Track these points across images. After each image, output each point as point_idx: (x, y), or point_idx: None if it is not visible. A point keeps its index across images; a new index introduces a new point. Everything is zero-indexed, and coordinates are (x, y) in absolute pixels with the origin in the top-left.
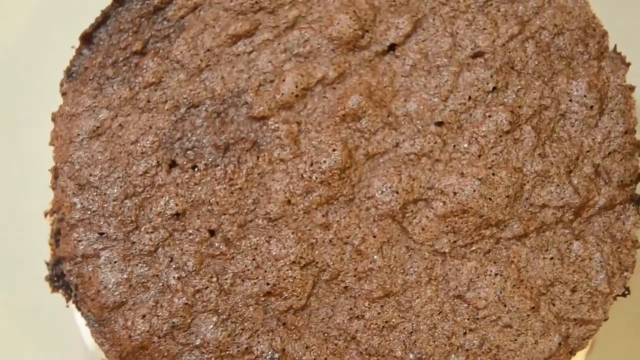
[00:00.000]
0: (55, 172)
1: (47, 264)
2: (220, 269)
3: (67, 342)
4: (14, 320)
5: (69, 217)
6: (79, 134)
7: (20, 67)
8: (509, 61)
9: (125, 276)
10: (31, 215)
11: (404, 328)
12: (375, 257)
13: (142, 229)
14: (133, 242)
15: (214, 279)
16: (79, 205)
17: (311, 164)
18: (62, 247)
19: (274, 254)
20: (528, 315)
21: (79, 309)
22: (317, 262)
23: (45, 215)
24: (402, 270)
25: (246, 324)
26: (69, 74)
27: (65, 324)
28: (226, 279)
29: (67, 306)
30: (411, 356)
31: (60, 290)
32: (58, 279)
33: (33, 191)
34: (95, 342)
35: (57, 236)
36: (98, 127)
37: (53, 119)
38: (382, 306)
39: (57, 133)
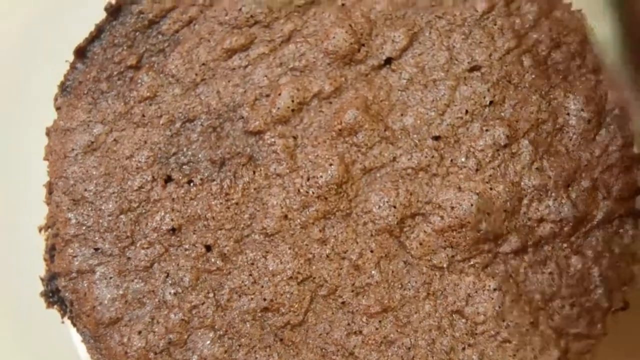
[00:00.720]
0: (50, 187)
1: (42, 279)
2: (217, 284)
3: (63, 358)
4: (9, 337)
5: (64, 233)
6: (73, 149)
7: (14, 82)
8: (506, 75)
9: (120, 292)
10: (25, 230)
11: (402, 343)
12: (372, 272)
13: (138, 245)
14: (129, 258)
15: (211, 295)
16: (73, 221)
17: (308, 179)
18: (57, 262)
19: (270, 269)
20: (527, 330)
21: (74, 325)
22: (314, 278)
23: (40, 230)
24: (400, 285)
25: (243, 339)
26: (63, 88)
27: (61, 341)
28: (223, 295)
29: (63, 322)
30: None
31: (56, 306)
32: (53, 295)
33: (27, 206)
34: (91, 358)
35: (51, 251)
36: (93, 142)
37: (47, 134)
38: (380, 321)
39: (52, 148)
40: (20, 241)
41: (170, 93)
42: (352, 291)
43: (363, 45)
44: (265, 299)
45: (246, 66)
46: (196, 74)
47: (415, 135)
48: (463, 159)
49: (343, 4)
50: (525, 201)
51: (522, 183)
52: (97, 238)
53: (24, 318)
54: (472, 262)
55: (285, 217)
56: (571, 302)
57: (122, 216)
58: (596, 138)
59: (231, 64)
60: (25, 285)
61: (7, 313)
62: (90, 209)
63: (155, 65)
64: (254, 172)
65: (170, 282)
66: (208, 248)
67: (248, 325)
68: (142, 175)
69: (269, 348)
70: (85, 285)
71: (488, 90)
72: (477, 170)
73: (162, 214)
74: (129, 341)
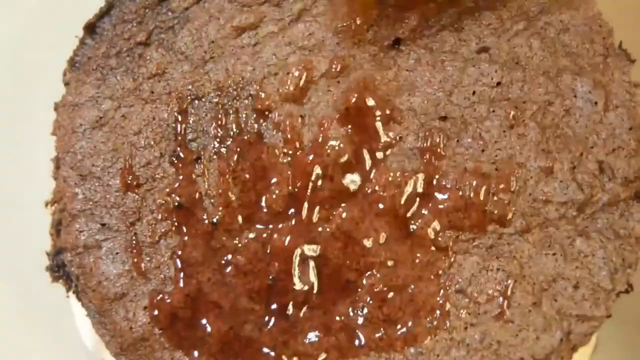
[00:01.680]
0: (57, 162)
1: (48, 254)
2: (223, 261)
3: (66, 341)
4: (12, 318)
5: (71, 208)
6: (81, 124)
7: (23, 57)
8: (514, 57)
9: (126, 267)
10: (32, 205)
11: (405, 322)
12: (377, 251)
13: (144, 221)
14: (135, 234)
15: (216, 271)
16: (80, 196)
17: (314, 157)
18: (64, 237)
19: (276, 248)
20: (530, 311)
21: (79, 299)
22: (319, 256)
23: (46, 205)
24: (404, 265)
25: (248, 316)
26: (73, 63)
27: (64, 324)
28: (228, 271)
29: (67, 296)
30: (412, 350)
31: (61, 281)
32: (58, 269)
33: (34, 181)
34: (96, 333)
35: (58, 226)
36: (101, 118)
37: (56, 109)
38: (383, 300)
39: (60, 123)
40: (26, 216)
41: (179, 70)
42: (357, 270)
43: (372, 25)
44: (270, 277)
45: (255, 44)
46: (205, 52)
47: (422, 116)
48: (469, 140)
49: None
50: (530, 183)
51: (528, 164)
52: (104, 213)
53: (28, 299)
54: (476, 243)
55: (291, 195)
56: (575, 284)
57: (129, 192)
58: (603, 120)
59: (240, 42)
60: (31, 259)
61: (11, 294)
62: (97, 184)
63: (165, 42)
64: (261, 150)
65: (176, 258)
66: (214, 225)
67: (253, 303)
68: (150, 151)
69: (274, 325)
70: (92, 260)
71: (496, 71)
72: (483, 151)
73: (169, 190)
74: (134, 316)
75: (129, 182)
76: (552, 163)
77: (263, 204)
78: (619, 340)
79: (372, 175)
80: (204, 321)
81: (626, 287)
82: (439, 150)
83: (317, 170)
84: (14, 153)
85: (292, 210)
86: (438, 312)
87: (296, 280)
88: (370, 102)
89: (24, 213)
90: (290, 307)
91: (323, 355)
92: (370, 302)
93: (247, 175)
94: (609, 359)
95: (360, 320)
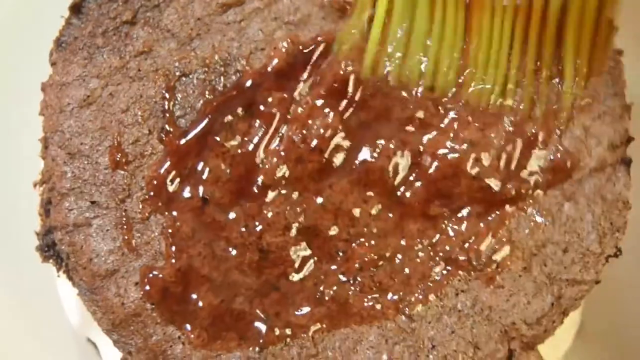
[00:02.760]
0: (46, 142)
1: (37, 234)
2: (213, 235)
3: (51, 320)
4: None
5: (60, 186)
6: (69, 103)
7: (9, 38)
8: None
9: (117, 244)
10: (20, 186)
11: (396, 291)
12: (367, 221)
13: (134, 197)
14: (125, 210)
15: (207, 246)
16: (69, 174)
17: (303, 131)
18: (53, 216)
19: (266, 220)
20: (520, 276)
21: (70, 278)
22: (309, 228)
23: (35, 185)
24: (394, 234)
25: (239, 289)
26: (59, 43)
27: (49, 304)
28: (219, 245)
29: (58, 276)
30: (403, 318)
31: (51, 260)
32: (48, 249)
33: (22, 162)
34: (87, 310)
35: (47, 206)
36: (88, 96)
37: (43, 89)
38: (374, 269)
39: (47, 103)
40: (14, 197)
41: (166, 47)
42: (347, 240)
43: None
44: (261, 250)
45: (241, 21)
46: (191, 29)
47: (409, 86)
48: (458, 108)
49: None
50: (519, 149)
51: (516, 131)
52: (93, 191)
53: (12, 278)
54: (466, 211)
55: (281, 168)
56: (564, 248)
57: (118, 169)
58: (587, 86)
59: (226, 19)
60: (20, 240)
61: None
62: (86, 162)
63: (151, 20)
64: (250, 126)
65: (166, 233)
66: (204, 200)
67: (244, 276)
68: (138, 128)
69: (265, 297)
70: (82, 238)
71: None
72: (471, 118)
73: (158, 167)
74: (125, 292)
75: (118, 159)
76: (539, 129)
77: (252, 177)
78: (604, 321)
79: (360, 147)
80: (195, 295)
81: (615, 251)
82: (426, 119)
83: (306, 142)
84: (2, 134)
85: (282, 182)
86: (429, 279)
87: (287, 252)
88: (358, 72)
89: (11, 195)
90: (281, 278)
91: (315, 326)
92: (361, 271)
93: (237, 151)
94: (594, 338)
95: (352, 290)
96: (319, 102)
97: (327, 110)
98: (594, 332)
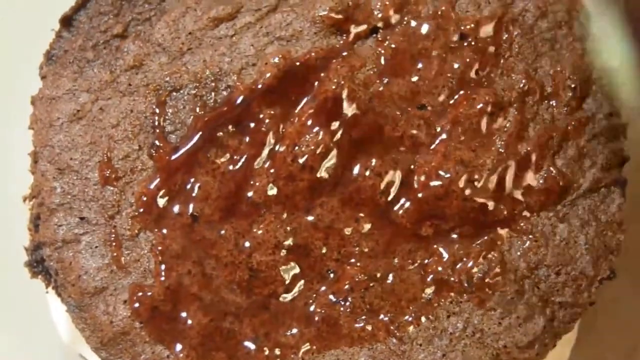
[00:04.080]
0: (35, 156)
1: (26, 249)
2: (203, 253)
3: (41, 335)
4: None
5: (49, 202)
6: (59, 118)
7: None
8: (493, 44)
9: (106, 261)
10: (9, 200)
11: (387, 312)
12: (358, 241)
13: (124, 214)
14: (114, 227)
15: (197, 264)
16: (59, 190)
17: (294, 149)
18: (42, 232)
19: (256, 239)
20: (512, 299)
21: (59, 294)
22: (300, 247)
23: (24, 200)
24: (385, 255)
25: (229, 308)
26: (49, 57)
27: (40, 318)
28: (209, 264)
29: (47, 292)
30: (394, 340)
31: (40, 276)
32: (37, 265)
33: (12, 176)
34: (76, 327)
35: (36, 221)
36: (78, 111)
37: (32, 103)
38: (365, 290)
39: (37, 117)
40: (3, 212)
41: (157, 62)
42: (338, 260)
43: (351, 14)
44: (251, 269)
45: (232, 35)
46: (182, 43)
47: (401, 104)
48: (449, 128)
49: None
50: (511, 169)
51: (509, 152)
52: (82, 207)
53: (5, 289)
54: (457, 231)
55: (272, 187)
56: (557, 271)
57: (107, 185)
58: (583, 106)
59: (217, 33)
60: (5, 257)
61: None
62: (75, 177)
63: (142, 34)
64: (240, 142)
65: (155, 251)
66: (194, 217)
67: (234, 295)
68: (128, 144)
69: (255, 317)
70: (71, 254)
71: (475, 58)
72: (463, 138)
73: (148, 183)
74: (114, 310)
75: (108, 175)
76: (533, 150)
77: (242, 195)
78: (601, 332)
79: (351, 165)
80: (184, 314)
81: (609, 274)
82: (418, 138)
83: (297, 160)
84: None
85: (272, 201)
86: (420, 301)
87: (277, 271)
88: (349, 91)
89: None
90: (271, 298)
91: (305, 347)
92: (352, 292)
93: (227, 167)
94: (591, 351)
95: (342, 311)
96: (310, 120)
97: (317, 128)
98: (590, 348)
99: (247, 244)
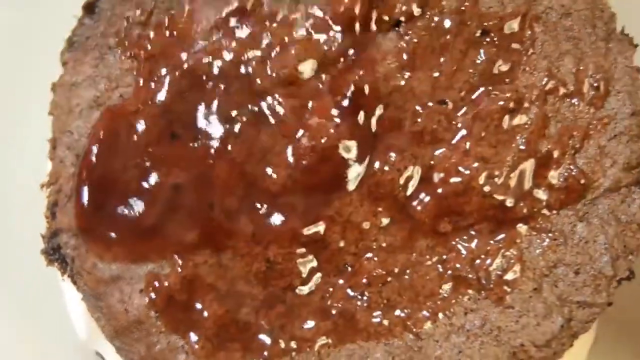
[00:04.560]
0: (54, 143)
1: (43, 236)
2: (220, 243)
3: (57, 334)
4: (2, 307)
5: (68, 189)
6: (78, 104)
7: (20, 37)
8: (516, 41)
9: None
10: (26, 188)
11: (404, 307)
12: (376, 236)
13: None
14: None
15: (214, 254)
16: None
17: (313, 140)
18: (59, 218)
19: (273, 229)
20: (530, 297)
21: (74, 282)
22: (317, 240)
23: (42, 187)
24: (403, 250)
25: (245, 300)
26: (71, 43)
27: (57, 315)
28: (225, 254)
29: (63, 279)
30: (411, 336)
31: (56, 264)
32: (54, 252)
33: (30, 163)
34: (91, 316)
35: (53, 208)
36: (98, 97)
37: (53, 89)
38: (382, 285)
39: (57, 103)
40: (20, 199)
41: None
42: (355, 254)
43: (373, 8)
44: (268, 260)
45: (254, 25)
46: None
47: (422, 99)
48: (470, 124)
49: None
50: (531, 167)
51: (529, 149)
52: None
53: (19, 289)
54: (476, 228)
55: (289, 177)
56: (576, 270)
57: (126, 172)
58: (605, 105)
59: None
60: (25, 243)
61: (7, 271)
62: None
63: (164, 22)
64: (259, 131)
65: (173, 240)
66: (211, 206)
67: (250, 286)
68: (148, 131)
69: (271, 309)
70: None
71: (497, 55)
72: (483, 135)
73: (166, 169)
74: (129, 299)
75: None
76: (554, 148)
77: (261, 185)
78: (619, 334)
79: (370, 159)
80: (200, 304)
81: (628, 274)
82: (438, 133)
83: (316, 152)
84: (11, 133)
85: (290, 192)
86: (437, 297)
87: (293, 264)
88: (370, 83)
89: (17, 196)
90: (287, 290)
91: (321, 340)
92: (369, 286)
93: (245, 157)
94: (608, 353)
95: (359, 305)
96: (331, 112)
97: (338, 120)
98: (608, 347)
99: (263, 235)
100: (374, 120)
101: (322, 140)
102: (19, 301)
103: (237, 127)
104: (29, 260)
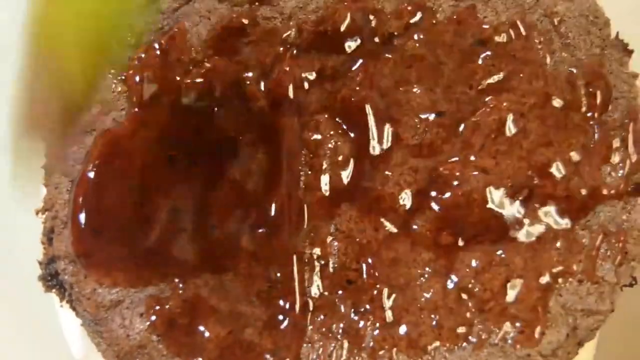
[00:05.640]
0: (48, 169)
1: (40, 263)
2: (220, 264)
3: (53, 351)
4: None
5: (63, 215)
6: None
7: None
8: (512, 50)
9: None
10: (21, 213)
11: (409, 321)
12: (378, 250)
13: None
14: None
15: (214, 275)
16: None
17: (312, 157)
18: (56, 245)
19: (275, 248)
20: (535, 307)
21: (73, 308)
22: (319, 257)
23: (37, 213)
24: (406, 264)
25: (248, 320)
26: None
27: (52, 336)
28: (226, 275)
29: (62, 306)
30: (416, 349)
31: (54, 290)
32: (52, 278)
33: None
34: (91, 342)
35: (50, 234)
36: (92, 122)
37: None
38: (385, 300)
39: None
40: (16, 225)
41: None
42: (357, 270)
43: (369, 21)
44: (269, 279)
45: (248, 43)
46: (196, 53)
47: (419, 111)
48: (468, 135)
49: None
50: (532, 176)
51: (530, 158)
52: None
53: (14, 308)
54: (479, 239)
55: (289, 195)
56: (579, 278)
57: (123, 197)
58: (605, 113)
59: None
60: (16, 272)
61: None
62: None
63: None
64: (258, 151)
65: (173, 262)
66: (211, 228)
67: (252, 307)
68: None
69: (275, 329)
70: None
71: (494, 65)
72: (483, 145)
73: (164, 193)
74: (130, 324)
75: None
76: (554, 156)
77: (262, 205)
78: (622, 339)
79: (371, 174)
80: (202, 327)
81: (630, 281)
82: (437, 146)
83: (315, 169)
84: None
85: (292, 210)
86: (441, 310)
87: (296, 282)
88: (367, 98)
89: (13, 221)
90: (290, 310)
91: None
92: (372, 302)
93: (247, 178)
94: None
95: (363, 321)
96: (331, 128)
97: (338, 137)
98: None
99: (264, 255)
100: (371, 134)
101: (323, 157)
102: (19, 322)
103: (236, 148)
104: (30, 281)
